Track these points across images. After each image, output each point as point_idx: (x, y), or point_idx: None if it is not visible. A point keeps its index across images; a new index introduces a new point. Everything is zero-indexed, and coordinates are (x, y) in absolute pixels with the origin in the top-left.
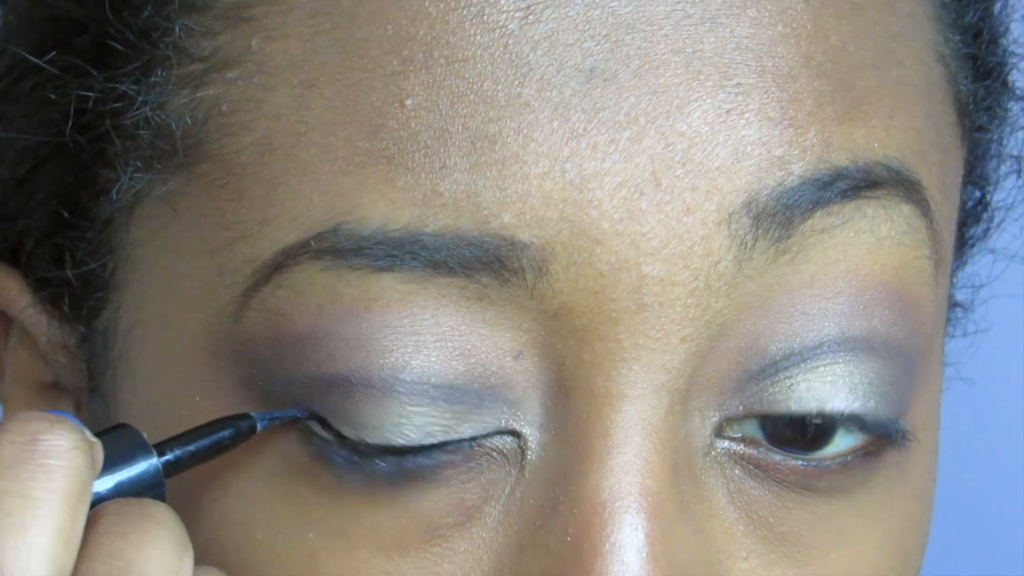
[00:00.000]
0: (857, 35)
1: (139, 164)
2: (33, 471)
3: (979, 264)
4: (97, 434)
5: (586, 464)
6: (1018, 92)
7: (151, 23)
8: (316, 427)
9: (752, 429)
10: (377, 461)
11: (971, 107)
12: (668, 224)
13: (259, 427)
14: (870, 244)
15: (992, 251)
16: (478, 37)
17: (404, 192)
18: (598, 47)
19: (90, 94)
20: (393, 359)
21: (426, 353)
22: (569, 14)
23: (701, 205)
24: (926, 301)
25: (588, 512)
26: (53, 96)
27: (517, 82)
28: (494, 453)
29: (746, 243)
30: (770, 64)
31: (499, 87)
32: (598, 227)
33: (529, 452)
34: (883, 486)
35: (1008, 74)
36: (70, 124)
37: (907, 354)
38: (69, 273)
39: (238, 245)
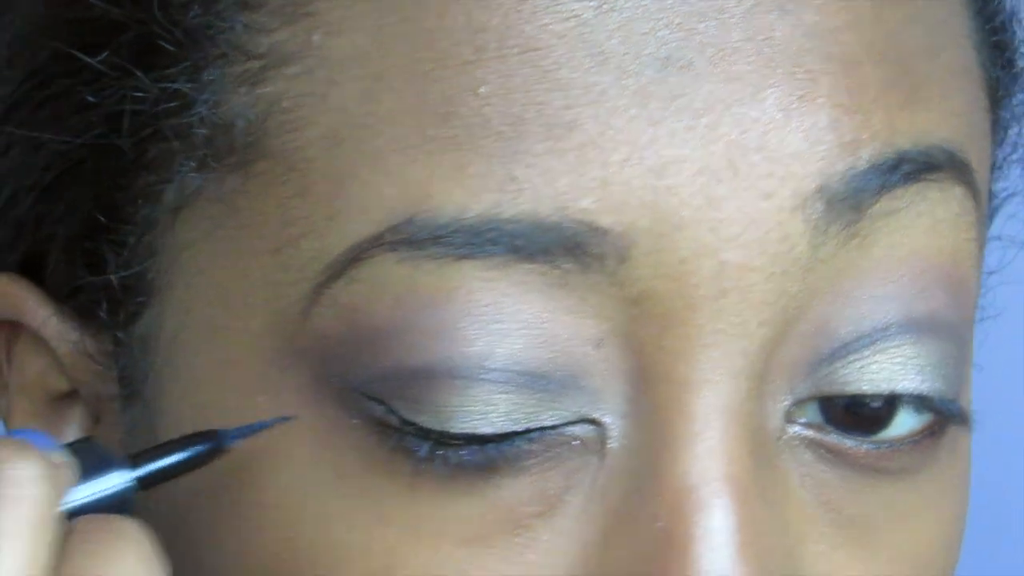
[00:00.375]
0: (911, 22)
1: (193, 164)
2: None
3: (988, 250)
4: (66, 445)
5: (672, 451)
6: None
7: (200, 21)
8: (394, 420)
9: (814, 414)
10: (460, 451)
11: (999, 94)
12: (746, 210)
13: (228, 443)
14: (928, 226)
15: (999, 238)
16: (553, 26)
17: (478, 179)
18: (672, 36)
19: (138, 94)
20: (478, 348)
21: (511, 341)
22: (643, 3)
23: (777, 191)
24: (972, 283)
25: (678, 498)
26: (91, 99)
27: (594, 70)
28: (574, 442)
29: (820, 227)
30: (836, 51)
31: (575, 75)
32: (678, 214)
33: (610, 440)
34: (941, 466)
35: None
36: (108, 127)
37: (960, 335)
38: (112, 278)
39: (304, 241)
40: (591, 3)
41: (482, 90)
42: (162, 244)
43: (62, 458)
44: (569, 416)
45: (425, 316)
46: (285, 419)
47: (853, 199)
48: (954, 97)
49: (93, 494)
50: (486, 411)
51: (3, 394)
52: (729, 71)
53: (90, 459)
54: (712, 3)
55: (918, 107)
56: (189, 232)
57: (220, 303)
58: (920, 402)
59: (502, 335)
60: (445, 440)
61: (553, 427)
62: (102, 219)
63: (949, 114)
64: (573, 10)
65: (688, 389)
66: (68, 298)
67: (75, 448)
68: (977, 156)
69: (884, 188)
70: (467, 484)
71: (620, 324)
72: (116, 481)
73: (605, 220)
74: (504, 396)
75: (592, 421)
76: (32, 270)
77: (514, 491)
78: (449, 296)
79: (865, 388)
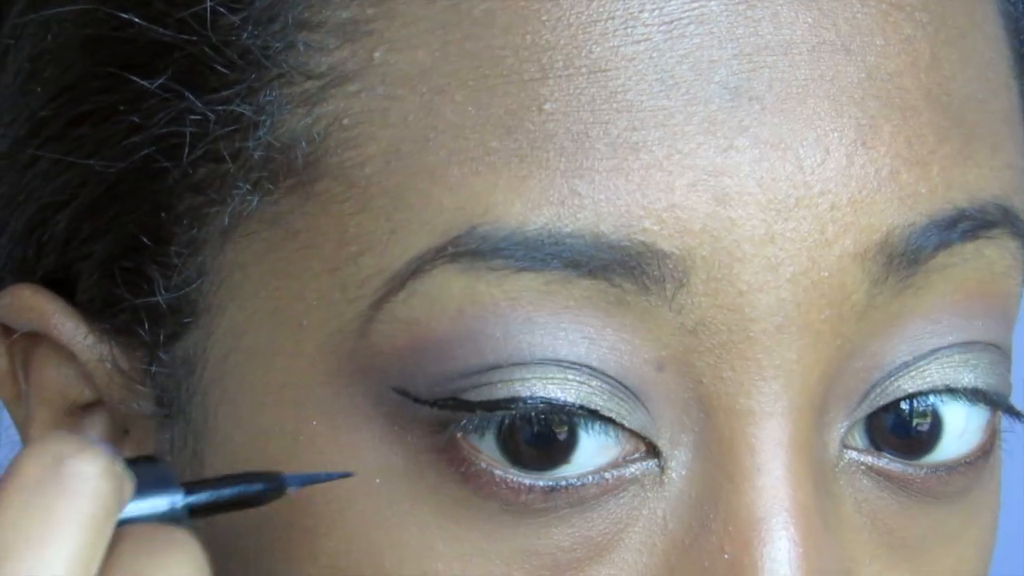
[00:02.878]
0: (964, 64)
1: (248, 187)
2: (57, 493)
3: None
4: (128, 462)
5: (736, 482)
6: None
7: (256, 42)
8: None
9: (863, 436)
10: (537, 481)
11: None
12: (807, 252)
13: (290, 490)
14: (985, 279)
15: None
16: (623, 48)
17: (540, 191)
18: (741, 67)
19: (191, 117)
20: (546, 351)
21: (578, 348)
22: (713, 31)
23: (839, 238)
24: (1016, 310)
25: (745, 529)
26: (135, 119)
27: (663, 94)
28: (632, 468)
29: (878, 279)
30: (896, 96)
31: (643, 98)
32: (739, 246)
33: (670, 470)
34: (985, 486)
35: None
36: (154, 148)
37: (1008, 351)
38: (161, 300)
39: (364, 258)
40: (662, 27)
41: (547, 106)
42: (211, 265)
43: (122, 469)
44: (635, 425)
45: (488, 325)
46: (348, 475)
47: (912, 255)
48: (1004, 147)
49: (141, 512)
50: (559, 377)
51: (22, 403)
52: (798, 110)
53: (146, 477)
54: (780, 37)
55: (970, 160)
56: (240, 253)
57: (274, 325)
58: (975, 395)
59: (569, 343)
60: (515, 413)
61: (613, 464)
62: (145, 240)
63: (1000, 166)
64: (644, 33)
65: (752, 422)
66: (102, 314)
67: (135, 464)
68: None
69: (943, 245)
70: (529, 516)
71: (678, 351)
72: (166, 505)
73: (666, 244)
74: (576, 375)
75: (652, 447)
76: (59, 281)
77: (574, 528)
78: (512, 306)
79: (923, 387)
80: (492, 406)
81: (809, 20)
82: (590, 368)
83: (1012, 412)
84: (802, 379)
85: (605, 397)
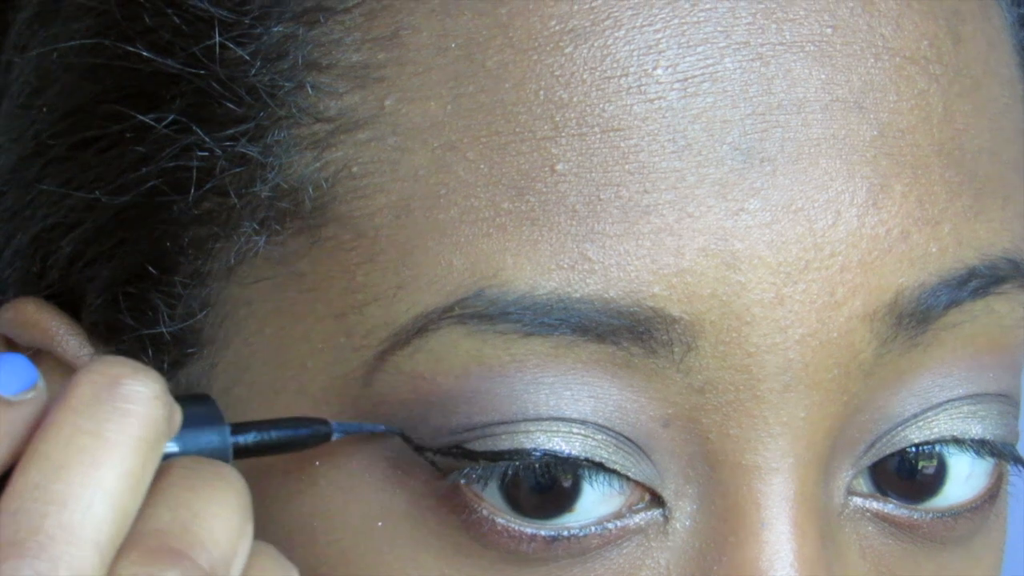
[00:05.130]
0: (977, 115)
1: (255, 226)
2: (110, 413)
3: None
4: (177, 398)
5: (740, 536)
6: None
7: (263, 80)
8: (471, 455)
9: (865, 483)
10: (539, 530)
11: None
12: (816, 314)
13: (335, 436)
14: (995, 334)
15: None
16: (636, 107)
17: (550, 255)
18: (754, 127)
19: (199, 152)
20: (551, 409)
21: (583, 407)
22: (726, 89)
23: (848, 300)
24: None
25: None
26: (141, 150)
27: (675, 155)
28: (640, 521)
29: (887, 339)
30: (908, 154)
31: (656, 159)
32: (749, 310)
33: (675, 520)
34: (991, 528)
35: None
36: (160, 180)
37: (1017, 401)
38: (164, 330)
39: (370, 308)
40: (676, 85)
41: (559, 167)
42: (216, 298)
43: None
44: (639, 476)
45: (495, 384)
46: (394, 430)
47: (922, 314)
48: (1014, 197)
49: (187, 446)
50: (564, 431)
51: None
52: (808, 170)
53: (195, 413)
54: (793, 96)
55: (981, 216)
56: (246, 291)
57: (278, 364)
58: (981, 447)
59: (574, 401)
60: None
61: (616, 514)
62: (150, 269)
63: (1011, 218)
64: (657, 91)
65: (757, 476)
66: (106, 338)
67: (184, 399)
68: None
69: (953, 303)
70: (530, 566)
71: (684, 409)
72: (213, 442)
73: (675, 309)
74: (581, 430)
75: (656, 497)
76: (63, 297)
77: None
78: (519, 368)
79: (930, 437)
80: (496, 456)
81: (823, 77)
82: (596, 424)
83: (1019, 462)
84: (809, 435)
85: (610, 450)
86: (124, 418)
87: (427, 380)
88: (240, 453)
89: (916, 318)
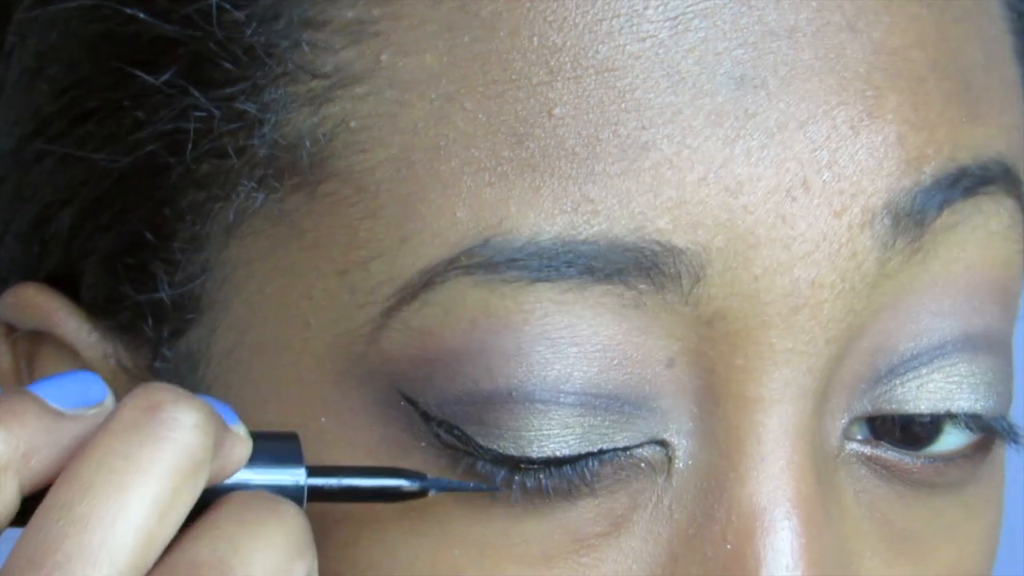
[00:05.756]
0: (969, 39)
1: (253, 184)
2: (145, 438)
3: None
4: (258, 433)
5: (741, 471)
6: None
7: (260, 39)
8: (467, 445)
9: (866, 431)
10: (539, 474)
11: None
12: (818, 227)
13: (432, 493)
14: (982, 239)
15: None
16: (629, 47)
17: (553, 200)
18: (747, 55)
19: (196, 113)
20: (555, 372)
21: (586, 364)
22: (717, 23)
23: (848, 207)
24: (1018, 293)
25: (748, 519)
26: (141, 115)
27: (670, 90)
28: (642, 463)
29: (887, 243)
30: (904, 68)
31: (651, 95)
32: (753, 232)
33: (677, 460)
34: (985, 479)
35: None
36: (159, 144)
37: (1009, 347)
38: (164, 296)
39: (374, 264)
40: (667, 23)
41: (556, 111)
42: (215, 261)
43: (240, 433)
44: (641, 437)
45: (501, 339)
46: (494, 488)
47: (918, 214)
48: (1008, 111)
49: (254, 480)
50: (563, 434)
51: None
52: (802, 90)
53: (271, 449)
54: (784, 22)
55: (977, 121)
56: (246, 250)
57: (281, 322)
58: (972, 420)
59: (577, 358)
60: (522, 466)
61: (625, 448)
62: (149, 236)
63: (1004, 127)
64: (649, 30)
65: (759, 408)
66: (106, 311)
67: (266, 436)
68: (1022, 168)
69: (946, 203)
70: (533, 507)
71: (690, 344)
72: (284, 480)
73: (680, 240)
74: (580, 419)
75: (661, 442)
76: (62, 280)
77: (580, 512)
78: (526, 319)
79: (923, 407)
80: (498, 459)
81: (814, 4)
82: (595, 396)
83: (1007, 437)
84: (810, 363)
85: (612, 428)
86: (158, 444)
87: (435, 335)
88: (318, 496)
89: (913, 219)
